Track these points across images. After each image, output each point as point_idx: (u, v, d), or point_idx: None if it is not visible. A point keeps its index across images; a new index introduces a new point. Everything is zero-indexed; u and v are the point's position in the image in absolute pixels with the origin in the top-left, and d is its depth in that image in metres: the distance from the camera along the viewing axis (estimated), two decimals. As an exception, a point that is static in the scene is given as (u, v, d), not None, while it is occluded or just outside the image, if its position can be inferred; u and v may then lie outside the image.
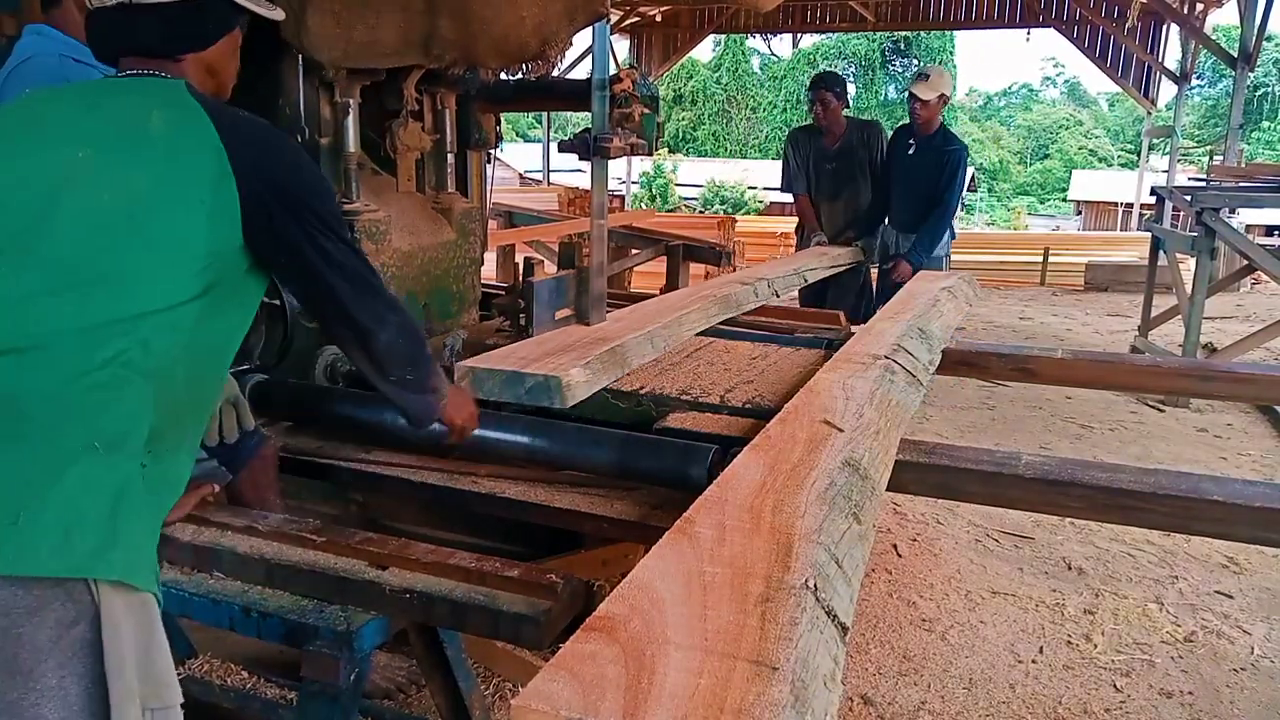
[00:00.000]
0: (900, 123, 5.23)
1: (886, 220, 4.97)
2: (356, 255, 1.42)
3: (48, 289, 1.17)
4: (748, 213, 20.74)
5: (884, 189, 4.97)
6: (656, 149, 2.77)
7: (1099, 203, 27.74)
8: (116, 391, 1.17)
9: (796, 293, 4.57)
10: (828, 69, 5.98)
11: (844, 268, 4.65)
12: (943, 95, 4.70)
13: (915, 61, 31.87)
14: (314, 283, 1.38)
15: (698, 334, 2.64)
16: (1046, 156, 36.96)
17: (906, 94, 4.86)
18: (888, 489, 1.67)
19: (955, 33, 28.42)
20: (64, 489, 1.11)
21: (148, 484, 1.21)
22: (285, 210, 1.30)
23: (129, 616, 1.14)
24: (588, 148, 2.37)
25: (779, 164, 5.59)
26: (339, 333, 1.47)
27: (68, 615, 1.10)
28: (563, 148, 2.48)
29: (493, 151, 3.24)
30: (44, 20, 2.04)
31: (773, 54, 32.57)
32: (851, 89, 33.17)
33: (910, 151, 4.84)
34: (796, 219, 5.54)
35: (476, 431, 1.84)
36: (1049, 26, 12.48)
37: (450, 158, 2.89)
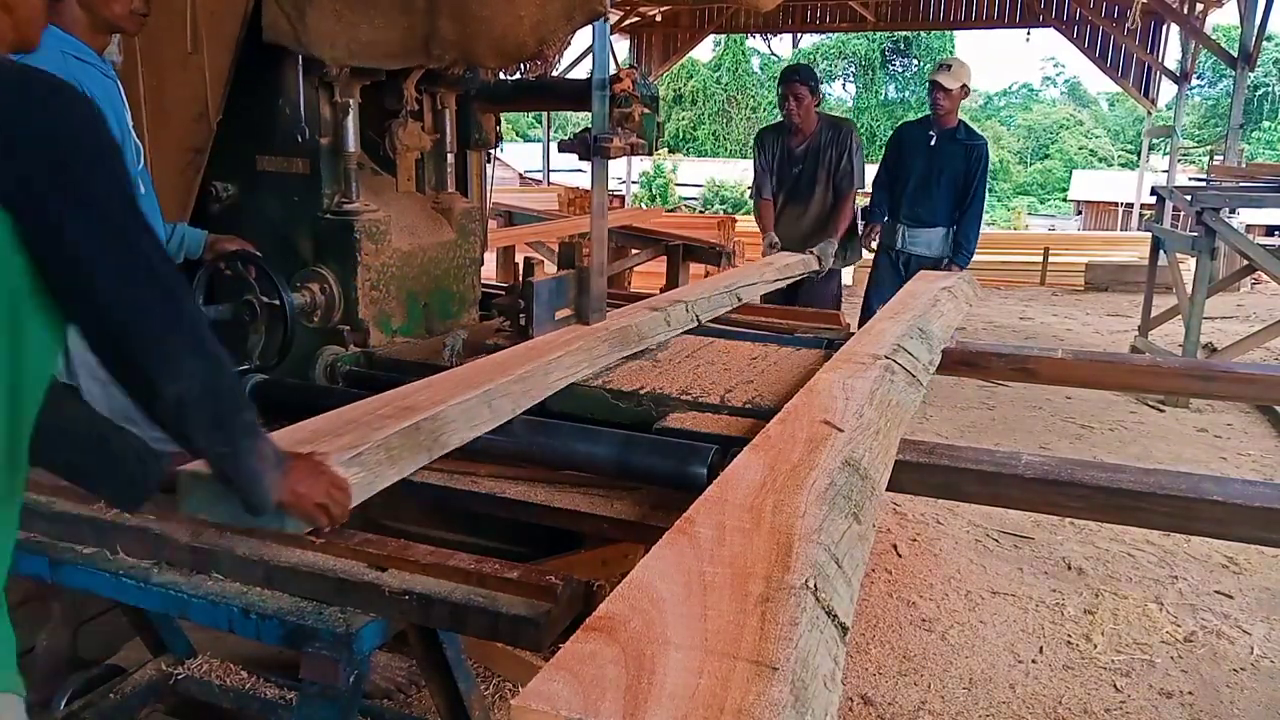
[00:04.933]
0: (905, 120, 5.14)
1: (879, 215, 4.87)
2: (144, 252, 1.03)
3: None
4: (748, 213, 20.72)
5: (888, 186, 4.82)
6: (656, 149, 2.76)
7: (1099, 203, 27.73)
8: None
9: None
10: (802, 64, 5.33)
11: (794, 278, 3.95)
12: (964, 86, 4.61)
13: (915, 62, 31.87)
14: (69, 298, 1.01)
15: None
16: (1046, 156, 36.94)
17: (929, 83, 4.73)
18: (888, 489, 1.67)
19: (955, 33, 28.40)
20: None
21: None
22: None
23: None
24: (588, 148, 2.37)
25: None
26: (117, 375, 1.04)
27: None
28: (563, 148, 2.48)
29: (493, 151, 3.24)
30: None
31: (773, 54, 32.47)
32: (851, 89, 33.39)
33: (932, 143, 4.72)
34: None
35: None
36: (1049, 26, 12.46)
37: (450, 158, 2.90)
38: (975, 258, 4.89)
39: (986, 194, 4.74)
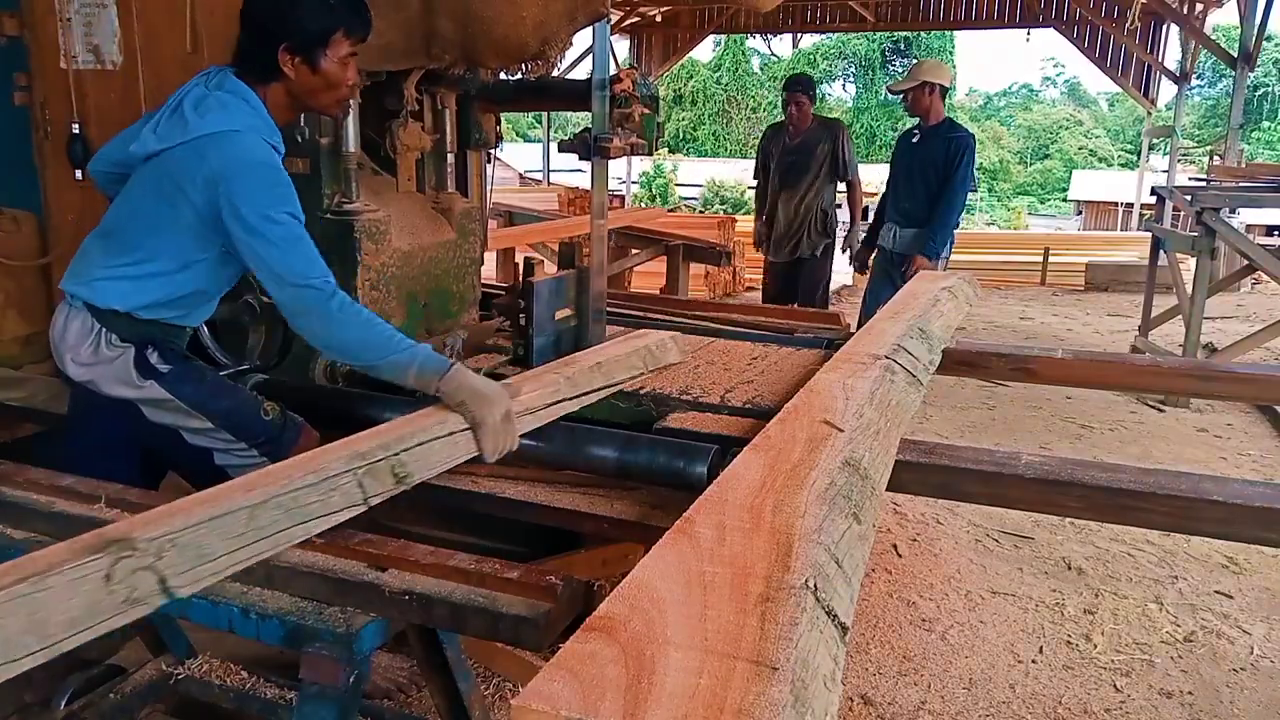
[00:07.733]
0: (903, 121, 5.38)
1: (877, 215, 5.14)
2: None
3: None
4: (748, 213, 20.71)
5: (892, 185, 5.03)
6: (656, 149, 2.77)
7: (1099, 203, 27.72)
8: None
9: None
10: (801, 72, 6.88)
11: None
12: (925, 83, 4.60)
13: (915, 62, 31.88)
14: None
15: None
16: (1046, 156, 36.91)
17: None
18: (888, 489, 1.67)
19: (955, 33, 28.40)
20: None
21: None
22: None
23: None
24: (588, 148, 2.37)
25: None
26: None
27: None
28: (563, 148, 2.48)
29: (493, 151, 3.24)
30: (251, 85, 1.89)
31: (773, 54, 32.56)
32: (851, 89, 33.43)
33: (914, 140, 4.79)
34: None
35: None
36: (1049, 26, 12.46)
37: (450, 158, 2.89)
38: (974, 258, 4.93)
39: (966, 187, 4.63)
